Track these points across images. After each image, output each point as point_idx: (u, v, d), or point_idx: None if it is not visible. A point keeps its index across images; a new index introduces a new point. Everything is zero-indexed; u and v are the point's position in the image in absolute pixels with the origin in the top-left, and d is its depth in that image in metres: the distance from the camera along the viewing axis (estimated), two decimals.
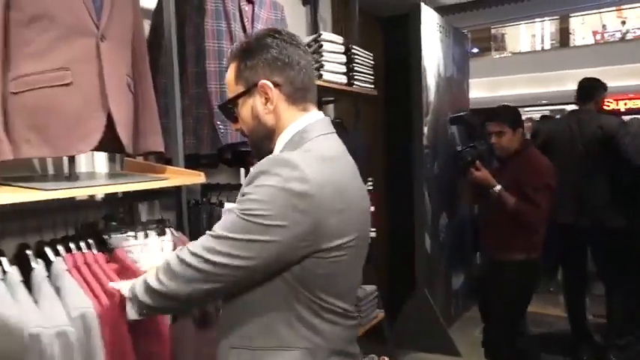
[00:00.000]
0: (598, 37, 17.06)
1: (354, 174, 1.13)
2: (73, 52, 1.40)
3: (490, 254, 2.79)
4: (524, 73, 13.09)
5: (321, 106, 3.01)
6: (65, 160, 1.82)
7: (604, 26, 17.02)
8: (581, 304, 3.49)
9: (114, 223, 1.64)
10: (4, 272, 1.27)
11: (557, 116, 12.04)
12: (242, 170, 2.46)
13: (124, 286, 1.20)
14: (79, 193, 1.39)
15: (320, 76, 2.45)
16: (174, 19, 1.77)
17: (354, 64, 2.69)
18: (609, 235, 3.13)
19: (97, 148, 1.50)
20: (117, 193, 1.78)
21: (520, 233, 2.59)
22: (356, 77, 2.71)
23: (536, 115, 12.44)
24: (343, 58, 2.62)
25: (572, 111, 3.50)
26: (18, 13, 1.35)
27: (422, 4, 3.57)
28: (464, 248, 4.40)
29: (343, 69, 2.63)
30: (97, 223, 1.76)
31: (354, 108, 3.10)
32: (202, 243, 1.03)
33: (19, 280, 1.27)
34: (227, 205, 1.54)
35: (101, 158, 1.98)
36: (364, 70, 2.81)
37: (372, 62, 2.90)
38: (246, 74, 1.13)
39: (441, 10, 3.78)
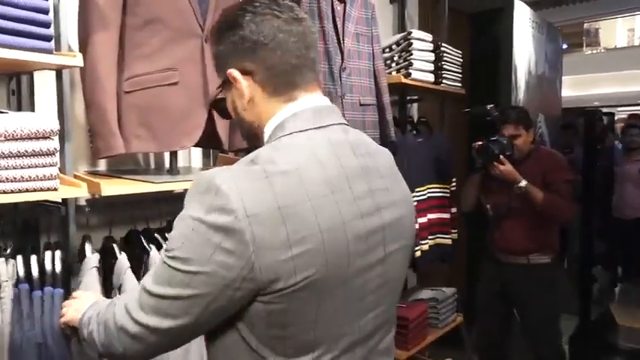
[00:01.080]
0: None
1: (350, 184, 0.83)
2: (181, 53, 1.48)
3: (506, 258, 2.54)
4: (619, 71, 12.22)
5: (404, 105, 2.98)
6: (166, 154, 1.95)
7: None
8: None
9: None
10: (116, 258, 1.37)
11: None
12: None
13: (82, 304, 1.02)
14: (185, 185, 1.47)
15: (408, 75, 2.42)
16: None
17: (443, 62, 2.63)
18: None
19: (197, 144, 1.59)
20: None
21: (551, 231, 2.50)
22: (444, 75, 2.65)
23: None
24: (432, 57, 2.58)
25: None
26: (132, 18, 1.45)
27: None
28: None
29: (431, 67, 2.59)
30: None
31: (439, 107, 3.03)
32: (137, 298, 0.83)
33: (127, 265, 1.37)
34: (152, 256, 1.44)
35: (196, 154, 2.09)
36: (453, 69, 2.74)
37: (460, 60, 2.83)
38: (218, 62, 0.92)
39: (535, 4, 3.60)
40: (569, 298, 3.66)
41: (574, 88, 10.98)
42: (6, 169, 1.08)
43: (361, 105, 2.15)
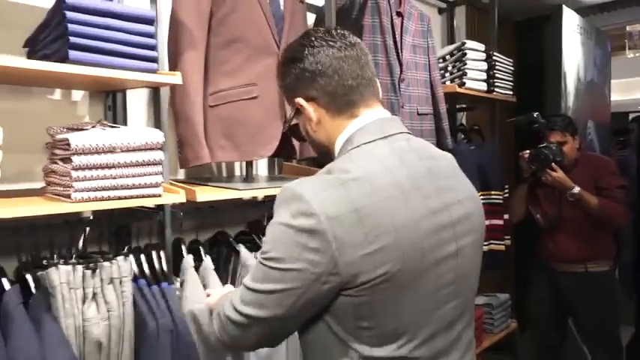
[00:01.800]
0: None
1: (419, 184, 0.91)
2: (260, 69, 1.60)
3: (561, 267, 2.52)
4: None
5: (455, 113, 3.03)
6: (237, 163, 2.07)
7: None
8: None
9: None
10: (201, 260, 1.49)
11: None
12: None
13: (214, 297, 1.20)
14: (267, 192, 1.58)
15: (462, 84, 2.49)
16: None
17: (495, 71, 2.68)
18: None
19: (273, 154, 1.70)
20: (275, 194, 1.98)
21: (607, 238, 2.50)
22: (496, 84, 2.70)
23: None
24: (484, 66, 2.63)
25: None
26: (216, 38, 1.58)
27: (563, 5, 3.43)
28: None
29: (484, 76, 2.64)
30: (261, 221, 1.96)
31: (490, 115, 3.08)
32: (239, 294, 0.95)
33: (212, 266, 1.48)
34: (243, 255, 1.57)
35: (262, 163, 2.20)
36: (504, 77, 2.79)
37: (511, 68, 2.87)
38: (286, 94, 1.05)
39: (582, 10, 3.60)
40: (622, 307, 3.62)
41: (617, 92, 10.76)
42: (122, 177, 1.20)
43: (419, 114, 2.23)
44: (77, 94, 1.59)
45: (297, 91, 1.00)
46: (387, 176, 0.88)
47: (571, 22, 3.58)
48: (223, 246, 1.60)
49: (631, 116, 4.81)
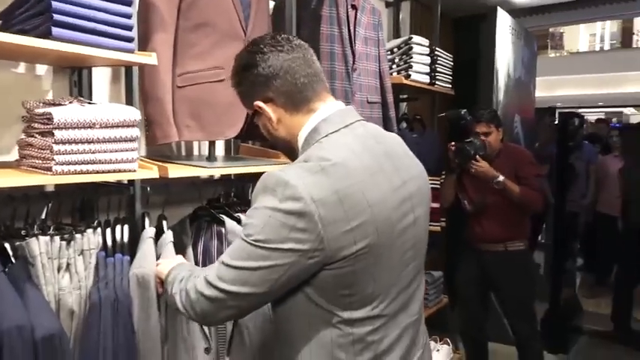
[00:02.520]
0: None
1: (381, 166, 1.04)
2: (227, 53, 1.65)
3: (485, 247, 2.78)
4: (581, 74, 12.85)
5: (398, 103, 3.22)
6: (195, 144, 2.13)
7: None
8: (630, 301, 3.64)
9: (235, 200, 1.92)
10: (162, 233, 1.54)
11: (614, 119, 11.76)
12: None
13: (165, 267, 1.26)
14: (232, 171, 1.66)
15: (408, 76, 2.66)
16: (295, 24, 2.02)
17: (437, 65, 2.88)
18: None
19: (237, 136, 1.78)
20: (230, 174, 2.06)
21: (524, 221, 2.79)
22: (437, 77, 2.90)
23: (591, 117, 12.24)
24: (428, 60, 2.82)
25: None
26: (185, 22, 1.63)
27: (498, 7, 3.70)
28: None
29: (427, 69, 2.83)
30: (218, 199, 2.04)
31: (430, 106, 3.29)
32: (215, 271, 1.02)
33: (170, 239, 1.54)
34: (228, 225, 1.63)
35: (219, 143, 2.27)
36: (444, 71, 3.00)
37: (451, 63, 3.09)
38: (244, 100, 1.15)
39: (514, 12, 3.89)
40: (539, 286, 4.00)
41: (539, 90, 11.53)
42: (101, 152, 1.25)
43: (369, 102, 2.38)
44: (41, 69, 1.59)
45: (254, 95, 1.10)
46: (356, 160, 1.00)
47: (504, 22, 3.87)
48: (203, 220, 1.67)
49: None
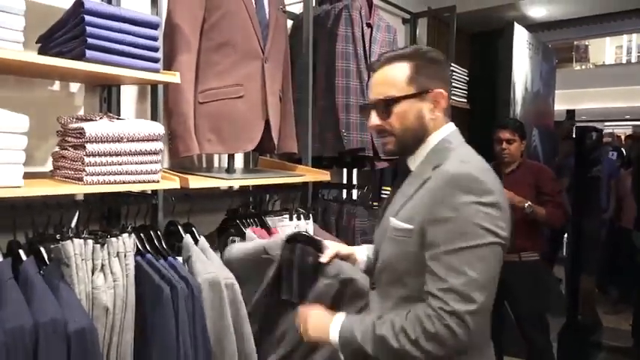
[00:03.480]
0: None
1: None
2: (246, 71, 1.78)
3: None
4: (607, 87, 12.69)
5: None
6: (216, 157, 2.23)
7: None
8: None
9: (270, 209, 2.02)
10: (197, 240, 1.64)
11: None
12: (344, 171, 2.79)
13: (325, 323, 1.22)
14: (250, 182, 1.76)
15: None
16: (312, 42, 2.12)
17: (452, 80, 2.95)
18: None
19: (254, 149, 1.88)
20: (248, 185, 2.15)
21: (538, 233, 2.82)
22: (453, 92, 2.97)
23: (618, 131, 12.05)
24: None
25: None
26: (208, 42, 1.74)
27: (514, 22, 3.75)
28: None
29: None
30: (238, 209, 2.13)
31: None
32: (461, 297, 1.02)
33: (208, 245, 1.64)
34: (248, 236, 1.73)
35: (238, 156, 2.37)
36: (460, 86, 3.06)
37: (466, 78, 3.15)
38: (423, 79, 1.17)
39: (531, 27, 3.93)
40: (557, 300, 3.99)
41: (564, 103, 11.43)
42: (127, 164, 1.36)
43: None
44: (74, 87, 1.72)
45: (436, 84, 1.17)
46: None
47: (521, 37, 3.91)
48: (229, 232, 1.78)
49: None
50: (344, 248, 1.51)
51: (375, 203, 2.62)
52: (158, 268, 1.39)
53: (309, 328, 1.25)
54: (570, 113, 4.46)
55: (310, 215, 1.99)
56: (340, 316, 1.21)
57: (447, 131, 1.20)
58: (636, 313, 3.77)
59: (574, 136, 4.04)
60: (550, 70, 4.62)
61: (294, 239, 1.54)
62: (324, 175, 2.07)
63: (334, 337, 1.17)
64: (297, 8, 2.33)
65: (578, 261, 3.77)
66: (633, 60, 16.70)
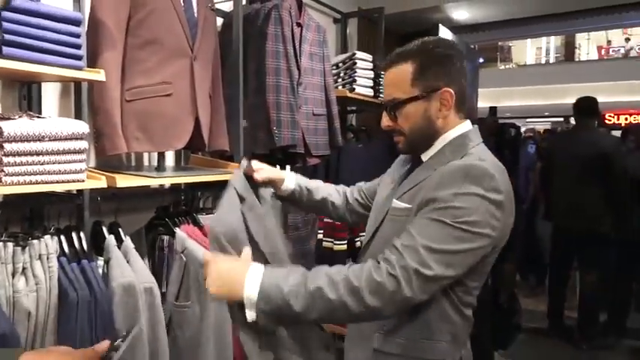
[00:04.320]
0: (603, 52, 17.43)
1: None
2: (174, 69, 1.77)
3: None
4: (528, 85, 13.47)
5: (346, 115, 3.38)
6: (146, 155, 2.20)
7: (609, 42, 17.40)
8: (563, 300, 3.91)
9: (201, 207, 2.02)
10: (122, 240, 1.63)
11: (559, 129, 12.43)
12: (277, 168, 2.82)
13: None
14: (179, 180, 1.76)
15: (352, 90, 2.82)
16: (242, 41, 2.13)
17: (380, 79, 3.05)
18: (598, 240, 3.53)
19: (184, 147, 1.87)
20: (180, 183, 2.15)
21: None
22: (381, 90, 3.07)
23: (539, 127, 12.83)
24: (371, 74, 2.99)
25: (574, 128, 3.85)
26: (134, 39, 1.72)
27: (439, 24, 3.93)
28: None
29: (371, 83, 3.00)
30: (168, 207, 2.12)
31: (375, 118, 3.46)
32: (414, 259, 1.01)
33: (132, 246, 1.63)
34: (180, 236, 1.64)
35: (170, 154, 2.35)
36: None
37: None
38: (426, 79, 1.15)
39: (456, 29, 4.14)
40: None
41: (489, 100, 12.01)
42: (50, 163, 1.33)
43: (314, 115, 2.51)
44: None
45: (444, 81, 1.14)
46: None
47: (446, 37, 4.10)
48: (157, 230, 1.76)
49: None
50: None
51: None
52: (67, 272, 1.37)
53: (215, 281, 1.03)
54: (493, 110, 4.70)
55: None
56: (258, 267, 1.03)
57: (464, 129, 1.19)
58: (550, 297, 4.06)
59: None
60: (473, 70, 4.88)
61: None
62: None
63: (251, 292, 0.99)
64: (227, 6, 2.33)
65: (502, 249, 4.02)
66: (552, 60, 17.82)
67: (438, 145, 1.19)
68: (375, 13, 3.47)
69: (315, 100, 2.52)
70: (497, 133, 3.97)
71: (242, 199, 1.26)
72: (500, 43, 16.38)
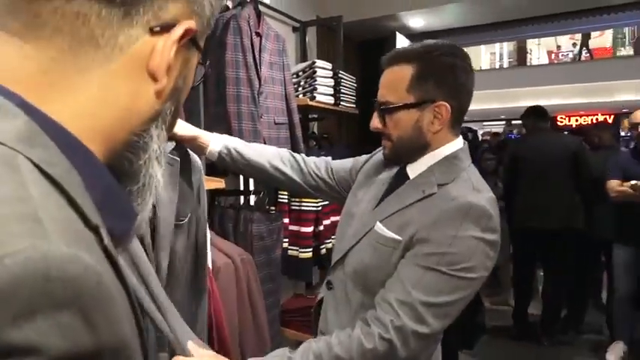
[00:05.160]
0: (553, 56, 18.15)
1: None
2: None
3: None
4: (484, 90, 13.85)
5: (307, 123, 3.40)
6: None
7: (558, 47, 18.14)
8: (527, 298, 4.03)
9: None
10: None
11: (514, 131, 12.82)
12: (241, 177, 2.81)
13: None
14: None
15: (313, 98, 2.84)
16: None
17: (341, 87, 3.09)
18: (562, 238, 3.67)
19: None
20: None
21: None
22: (342, 98, 3.11)
23: (496, 130, 13.21)
24: (332, 82, 3.02)
25: (530, 131, 3.96)
26: None
27: (396, 32, 4.01)
28: None
29: (331, 91, 3.03)
30: None
31: (337, 125, 3.50)
32: (416, 316, 0.97)
33: None
34: None
35: None
36: (348, 92, 3.22)
37: (354, 85, 3.31)
38: (423, 88, 1.06)
39: (412, 37, 4.22)
40: None
41: None
42: None
43: (276, 124, 2.52)
44: None
45: (441, 94, 1.06)
46: None
47: (403, 45, 4.19)
48: None
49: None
50: (184, 128, 1.28)
51: (272, 207, 2.67)
52: None
53: None
54: None
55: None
56: None
57: (455, 147, 1.12)
58: (515, 297, 4.16)
59: None
60: None
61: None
62: (218, 183, 2.07)
63: None
64: None
65: None
66: (505, 65, 18.40)
67: (426, 161, 1.12)
68: (334, 21, 3.51)
69: (276, 109, 2.52)
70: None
71: None
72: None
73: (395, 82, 1.10)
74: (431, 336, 1.00)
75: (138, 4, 0.45)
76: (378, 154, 1.31)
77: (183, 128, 1.30)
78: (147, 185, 0.51)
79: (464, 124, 4.94)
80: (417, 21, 4.00)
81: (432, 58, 1.07)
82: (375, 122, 1.15)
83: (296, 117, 2.66)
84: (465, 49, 1.12)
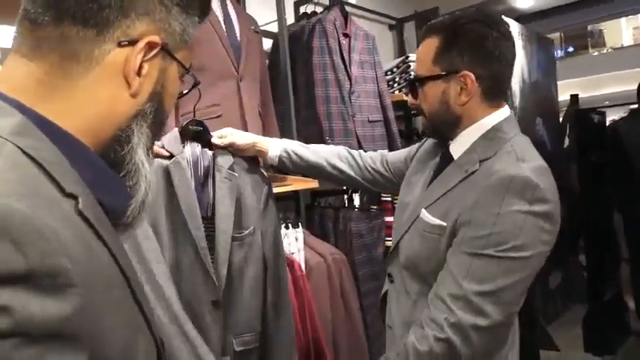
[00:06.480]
0: None
1: None
2: (222, 91, 1.88)
3: None
4: (627, 69, 12.38)
5: (411, 119, 3.35)
6: None
7: None
8: None
9: None
10: None
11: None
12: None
13: None
14: None
15: (407, 93, 2.80)
16: (289, 57, 2.22)
17: None
18: None
19: None
20: None
21: None
22: None
23: None
24: None
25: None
26: None
27: (502, 15, 3.79)
28: (559, 250, 4.45)
29: None
30: None
31: None
32: (473, 309, 0.91)
33: None
34: None
35: None
36: None
37: None
38: (449, 58, 1.04)
39: (522, 18, 3.96)
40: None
41: (584, 90, 11.21)
42: None
43: (370, 122, 2.53)
44: None
45: (467, 63, 1.02)
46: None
47: (512, 29, 3.93)
48: None
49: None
50: (242, 137, 1.32)
51: (374, 207, 2.68)
52: None
53: None
54: (574, 98, 4.40)
55: (299, 223, 2.07)
56: None
57: (496, 118, 1.05)
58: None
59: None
60: (548, 59, 4.61)
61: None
62: (311, 183, 2.14)
63: None
64: (276, 27, 2.44)
65: (596, 246, 3.73)
66: None
67: (467, 138, 1.06)
68: (431, 14, 3.43)
69: (369, 107, 2.53)
70: (577, 122, 3.72)
71: None
72: (589, 28, 15.28)
73: (423, 55, 1.09)
74: (494, 327, 0.93)
75: (108, 25, 0.56)
76: (430, 139, 1.27)
77: (240, 137, 1.37)
78: (135, 171, 0.61)
79: (597, 107, 4.48)
80: (524, 1, 3.74)
81: (457, 28, 1.04)
82: (410, 97, 1.15)
83: (391, 113, 2.65)
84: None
